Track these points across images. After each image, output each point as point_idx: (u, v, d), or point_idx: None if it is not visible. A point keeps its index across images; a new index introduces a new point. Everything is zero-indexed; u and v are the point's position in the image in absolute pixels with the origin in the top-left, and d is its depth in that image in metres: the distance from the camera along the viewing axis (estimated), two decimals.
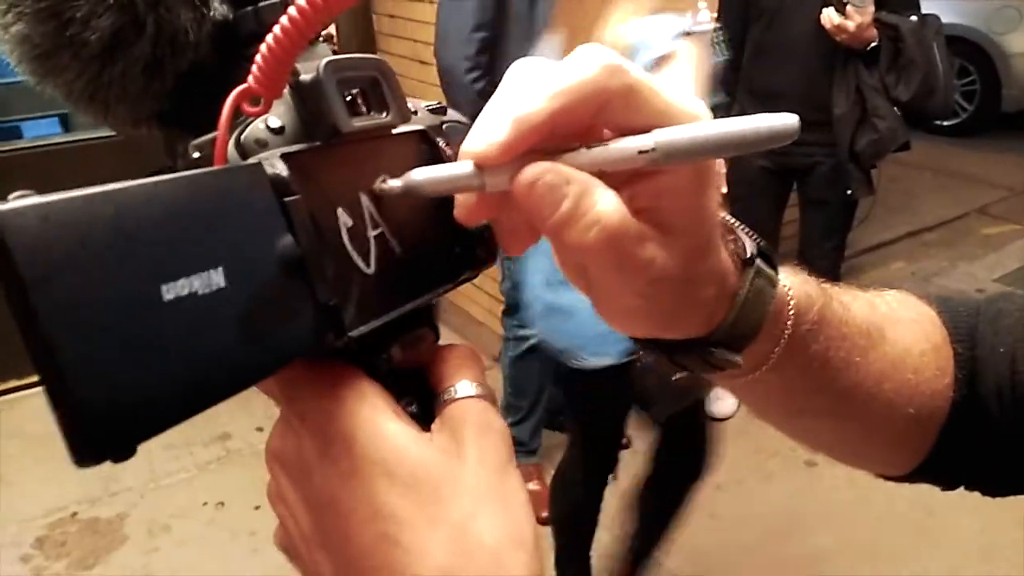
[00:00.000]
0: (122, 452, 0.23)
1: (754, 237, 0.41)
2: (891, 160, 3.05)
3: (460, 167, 0.32)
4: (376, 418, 0.32)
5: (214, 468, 2.89)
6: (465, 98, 2.14)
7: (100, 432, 0.22)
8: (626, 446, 2.89)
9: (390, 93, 0.35)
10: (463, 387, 0.35)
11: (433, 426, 0.34)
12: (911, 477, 0.56)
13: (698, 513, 2.58)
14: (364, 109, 0.35)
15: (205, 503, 2.72)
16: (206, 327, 0.25)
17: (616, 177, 0.32)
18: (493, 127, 0.31)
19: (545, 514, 2.54)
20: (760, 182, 2.80)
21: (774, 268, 0.41)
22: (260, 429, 3.03)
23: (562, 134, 0.32)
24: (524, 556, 0.31)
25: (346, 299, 0.31)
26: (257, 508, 2.63)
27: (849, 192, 2.71)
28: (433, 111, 0.40)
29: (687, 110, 0.32)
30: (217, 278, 0.26)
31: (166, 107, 0.35)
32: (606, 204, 0.31)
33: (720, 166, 0.41)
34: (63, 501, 2.74)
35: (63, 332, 0.22)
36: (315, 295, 0.29)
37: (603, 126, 0.33)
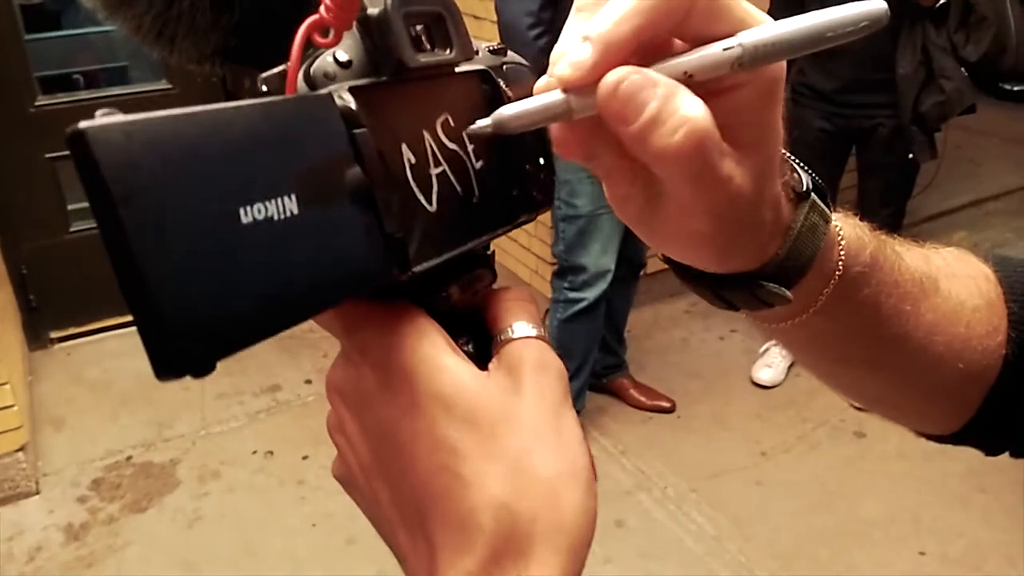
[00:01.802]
0: (201, 368, 0.24)
1: (809, 172, 0.40)
2: (956, 125, 2.95)
3: (548, 97, 0.32)
4: (435, 354, 0.32)
5: (263, 418, 2.96)
6: (527, 54, 2.11)
7: (181, 347, 0.23)
8: (671, 410, 2.89)
9: (454, 30, 0.35)
10: (520, 327, 0.36)
11: (490, 365, 0.35)
12: (955, 438, 0.55)
13: (743, 479, 2.58)
14: (428, 46, 0.35)
15: (255, 451, 2.79)
16: (281, 252, 0.26)
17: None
18: (577, 49, 0.30)
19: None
20: (819, 145, 2.73)
21: (827, 206, 0.41)
22: (309, 382, 3.08)
23: (646, 48, 0.31)
24: (578, 491, 0.32)
25: (410, 234, 0.32)
26: (305, 458, 2.69)
27: (911, 156, 2.63)
28: (494, 52, 0.40)
29: (763, 18, 0.32)
30: (291, 205, 0.26)
31: (232, 42, 0.36)
32: (693, 105, 0.30)
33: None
34: (119, 445, 2.83)
35: (147, 248, 0.22)
36: (382, 227, 0.30)
37: (683, 37, 0.32)
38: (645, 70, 0.30)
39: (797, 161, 0.40)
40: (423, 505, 0.32)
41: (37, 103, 3.17)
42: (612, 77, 0.30)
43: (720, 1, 0.31)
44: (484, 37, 2.49)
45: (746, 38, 0.30)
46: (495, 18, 2.23)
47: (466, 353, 0.34)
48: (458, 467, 0.31)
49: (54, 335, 3.41)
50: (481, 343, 0.36)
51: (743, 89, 0.32)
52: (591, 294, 2.54)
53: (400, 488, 0.33)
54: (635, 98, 0.29)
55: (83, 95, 3.40)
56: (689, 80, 0.31)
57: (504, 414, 0.32)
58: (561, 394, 0.34)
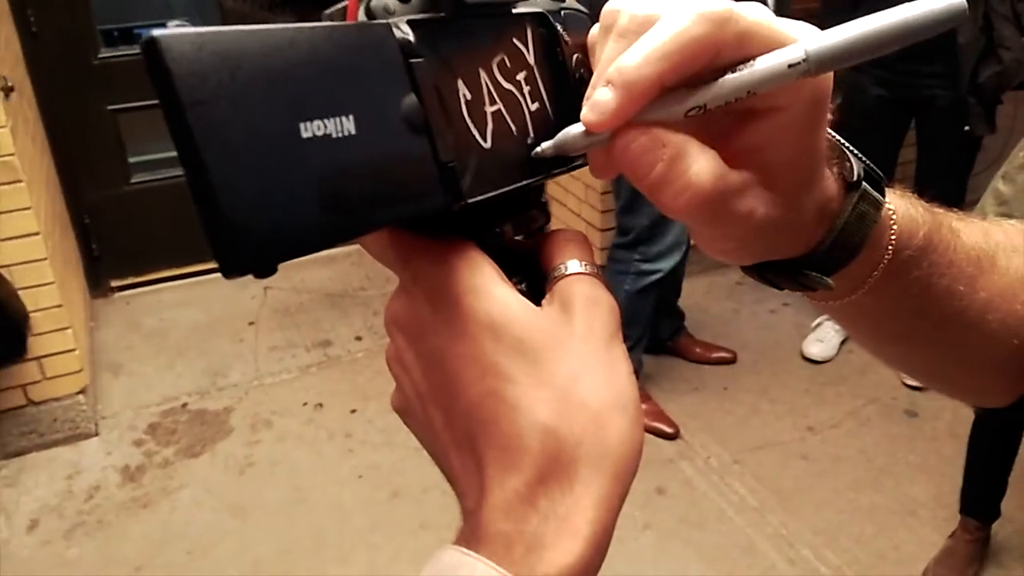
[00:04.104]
0: (262, 268, 0.25)
1: (862, 159, 0.40)
2: (1022, 100, 2.84)
3: (575, 129, 0.34)
4: (485, 283, 0.34)
5: (315, 372, 3.02)
6: None
7: (243, 246, 0.24)
8: (732, 360, 2.86)
9: None
10: (573, 264, 0.36)
11: (543, 301, 0.35)
12: (1013, 410, 0.54)
13: (788, 453, 2.57)
14: None
15: (305, 403, 2.85)
16: (338, 168, 0.27)
17: (724, 119, 0.33)
18: (603, 94, 0.31)
19: (671, 430, 2.61)
20: (876, 113, 2.65)
21: (880, 191, 0.40)
22: (359, 338, 3.13)
23: (674, 84, 0.31)
24: (625, 421, 0.33)
25: (464, 166, 0.32)
26: (353, 411, 2.74)
27: (967, 128, 2.54)
28: None
29: (792, 33, 0.31)
30: (348, 125, 0.27)
31: None
32: (699, 169, 0.31)
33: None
34: (175, 392, 2.92)
35: (215, 153, 0.23)
36: (436, 155, 0.31)
37: (715, 70, 0.32)
38: (655, 129, 0.31)
39: (850, 148, 0.40)
40: (473, 428, 0.33)
41: (100, 56, 3.22)
42: (622, 140, 0.32)
43: (751, 38, 0.31)
44: None
45: (811, 45, 0.29)
46: None
47: (519, 291, 0.35)
48: (505, 392, 0.32)
49: (114, 284, 3.51)
50: (535, 285, 0.37)
51: (781, 113, 0.32)
52: (666, 265, 2.53)
53: (452, 412, 0.34)
54: (643, 159, 0.31)
55: (135, 50, 3.45)
56: (750, 96, 0.31)
57: (553, 342, 0.33)
58: (613, 328, 0.35)
